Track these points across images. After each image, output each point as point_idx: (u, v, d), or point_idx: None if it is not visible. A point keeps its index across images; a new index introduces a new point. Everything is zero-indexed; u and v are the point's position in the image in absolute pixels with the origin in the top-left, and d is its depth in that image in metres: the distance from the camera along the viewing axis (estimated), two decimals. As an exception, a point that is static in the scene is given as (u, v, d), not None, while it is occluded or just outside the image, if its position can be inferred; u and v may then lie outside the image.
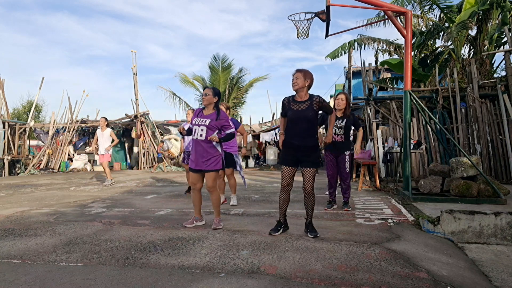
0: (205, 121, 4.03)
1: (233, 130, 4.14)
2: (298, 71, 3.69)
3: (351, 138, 5.94)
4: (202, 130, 4.00)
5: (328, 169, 5.43)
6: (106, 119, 9.01)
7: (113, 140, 8.78)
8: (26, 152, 16.43)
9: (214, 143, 4.03)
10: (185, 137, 6.44)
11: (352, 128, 5.45)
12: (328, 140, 4.04)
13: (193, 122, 4.11)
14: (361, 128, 5.56)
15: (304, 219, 3.80)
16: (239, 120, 18.56)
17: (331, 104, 5.02)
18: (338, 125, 5.23)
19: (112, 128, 10.00)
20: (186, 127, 4.63)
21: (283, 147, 3.79)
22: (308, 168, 3.63)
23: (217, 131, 4.06)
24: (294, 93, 3.75)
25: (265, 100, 76.52)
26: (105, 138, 8.71)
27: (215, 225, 4.05)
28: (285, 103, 3.77)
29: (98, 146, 8.91)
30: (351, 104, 5.35)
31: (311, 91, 3.75)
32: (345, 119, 5.24)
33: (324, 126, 5.22)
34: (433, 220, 3.99)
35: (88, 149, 15.43)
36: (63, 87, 63.93)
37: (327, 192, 6.72)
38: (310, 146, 3.63)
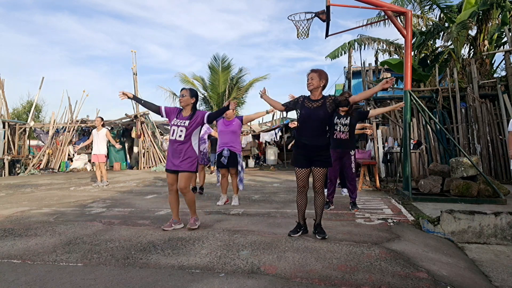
0: (185, 122, 4.02)
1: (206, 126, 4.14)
2: (313, 71, 3.65)
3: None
4: (181, 131, 3.99)
5: (330, 168, 5.36)
6: (102, 118, 9.03)
7: (109, 142, 8.90)
8: (26, 152, 16.43)
9: (192, 143, 4.01)
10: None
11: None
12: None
13: (172, 123, 4.08)
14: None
15: (313, 220, 3.75)
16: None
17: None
18: (343, 123, 5.16)
19: (108, 128, 10.14)
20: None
21: (295, 148, 3.75)
22: (319, 168, 3.60)
23: (196, 131, 4.07)
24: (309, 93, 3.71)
25: (265, 100, 76.16)
26: (100, 138, 8.73)
27: (190, 225, 4.01)
28: (300, 101, 3.72)
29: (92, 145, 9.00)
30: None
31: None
32: (349, 117, 5.18)
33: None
34: (433, 220, 3.99)
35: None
36: (63, 87, 63.86)
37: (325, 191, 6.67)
38: (320, 145, 3.59)
